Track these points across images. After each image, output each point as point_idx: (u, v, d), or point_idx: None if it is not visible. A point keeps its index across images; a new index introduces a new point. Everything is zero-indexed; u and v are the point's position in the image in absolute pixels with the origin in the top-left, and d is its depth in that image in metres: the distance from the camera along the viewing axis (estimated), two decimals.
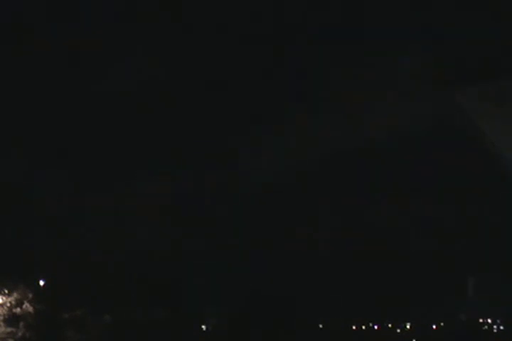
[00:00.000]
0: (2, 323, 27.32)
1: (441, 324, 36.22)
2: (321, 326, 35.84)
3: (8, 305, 27.51)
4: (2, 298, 27.63)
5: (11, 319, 27.41)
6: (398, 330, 37.01)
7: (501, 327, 36.25)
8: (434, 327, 36.35)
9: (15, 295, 27.72)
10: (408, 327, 36.93)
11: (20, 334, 27.36)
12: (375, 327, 37.09)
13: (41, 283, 28.76)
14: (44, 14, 29.54)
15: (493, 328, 36.52)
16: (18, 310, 27.62)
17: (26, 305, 27.77)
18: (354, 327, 36.85)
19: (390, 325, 37.04)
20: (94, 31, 29.64)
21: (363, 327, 36.96)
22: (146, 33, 30.68)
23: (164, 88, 32.57)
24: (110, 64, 31.44)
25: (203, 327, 34.32)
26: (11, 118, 30.25)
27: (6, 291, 27.68)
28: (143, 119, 33.07)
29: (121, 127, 33.03)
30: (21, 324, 27.50)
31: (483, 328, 36.45)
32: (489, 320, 36.52)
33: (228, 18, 30.62)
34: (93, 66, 31.50)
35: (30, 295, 27.98)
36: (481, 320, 36.53)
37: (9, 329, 27.27)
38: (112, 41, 30.76)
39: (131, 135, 33.22)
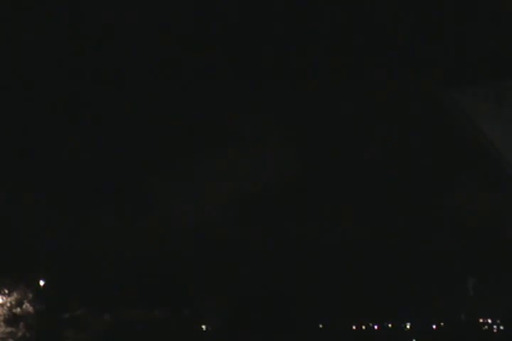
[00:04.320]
0: (2, 323, 27.33)
1: (441, 324, 36.20)
2: (321, 326, 35.82)
3: (8, 305, 27.52)
4: (2, 298, 27.64)
5: (11, 319, 27.42)
6: (398, 330, 36.99)
7: (501, 327, 36.23)
8: (434, 327, 36.33)
9: (15, 295, 27.73)
10: (408, 327, 36.90)
11: (20, 334, 27.37)
12: (375, 327, 37.07)
13: (41, 283, 28.77)
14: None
15: (493, 328, 36.49)
16: (18, 310, 27.62)
17: (26, 305, 27.78)
18: (354, 327, 36.83)
19: (390, 325, 37.01)
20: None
21: (363, 327, 36.93)
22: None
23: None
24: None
25: (203, 327, 34.33)
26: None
27: (6, 291, 27.69)
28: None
29: None
30: (21, 324, 27.51)
31: (483, 328, 36.42)
32: (489, 320, 36.50)
33: None
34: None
35: (31, 295, 27.99)
36: (481, 320, 36.51)
37: (9, 330, 27.28)
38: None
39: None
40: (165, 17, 29.87)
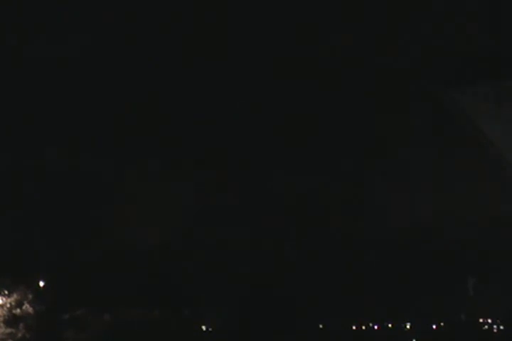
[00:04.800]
0: (2, 324, 27.33)
1: (441, 324, 36.21)
2: (321, 326, 35.84)
3: (8, 306, 27.53)
4: (2, 299, 27.64)
5: (11, 320, 27.43)
6: (398, 330, 37.00)
7: (501, 327, 36.24)
8: (434, 327, 36.33)
9: (15, 296, 27.73)
10: (408, 327, 36.91)
11: (20, 335, 27.38)
12: (375, 327, 37.07)
13: (41, 283, 28.77)
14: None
15: (493, 328, 36.50)
16: (18, 310, 27.63)
17: (26, 306, 27.79)
18: (354, 327, 36.84)
19: (390, 325, 37.02)
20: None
21: (363, 327, 36.94)
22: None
23: None
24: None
25: (203, 327, 34.33)
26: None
27: (6, 292, 27.69)
28: None
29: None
30: (21, 325, 27.51)
31: (483, 328, 36.43)
32: (489, 320, 36.50)
33: None
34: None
35: (30, 296, 27.99)
36: (481, 320, 36.52)
37: (9, 330, 27.29)
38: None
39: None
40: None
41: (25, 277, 28.23)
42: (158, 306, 30.76)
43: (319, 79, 32.69)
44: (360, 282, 34.30)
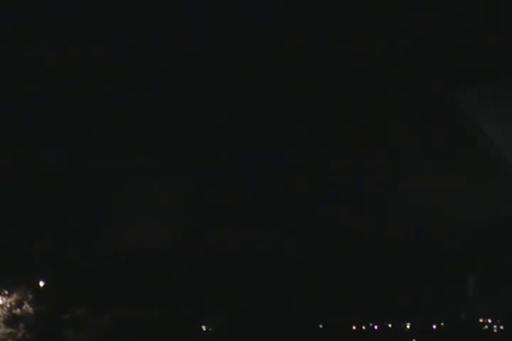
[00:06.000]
0: (2, 324, 27.33)
1: (441, 324, 36.21)
2: (321, 326, 35.84)
3: (8, 306, 27.53)
4: (2, 299, 27.64)
5: (11, 320, 27.43)
6: (398, 330, 37.00)
7: (501, 327, 36.23)
8: (434, 327, 36.33)
9: (15, 296, 27.73)
10: (408, 327, 36.90)
11: (20, 335, 27.38)
12: (375, 327, 37.07)
13: (41, 283, 28.77)
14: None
15: (493, 328, 36.49)
16: (18, 311, 27.63)
17: (26, 306, 27.79)
18: (354, 327, 36.84)
19: (390, 325, 37.01)
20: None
21: (363, 327, 36.94)
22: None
23: None
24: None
25: (203, 327, 34.33)
26: None
27: (6, 292, 27.70)
28: None
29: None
30: (21, 325, 27.51)
31: (483, 328, 36.42)
32: (489, 320, 36.49)
33: None
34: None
35: (30, 296, 27.99)
36: (481, 320, 36.51)
37: (9, 330, 27.29)
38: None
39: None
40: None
41: (25, 277, 28.23)
42: (158, 306, 30.75)
43: (319, 80, 32.69)
44: (360, 282, 34.30)
